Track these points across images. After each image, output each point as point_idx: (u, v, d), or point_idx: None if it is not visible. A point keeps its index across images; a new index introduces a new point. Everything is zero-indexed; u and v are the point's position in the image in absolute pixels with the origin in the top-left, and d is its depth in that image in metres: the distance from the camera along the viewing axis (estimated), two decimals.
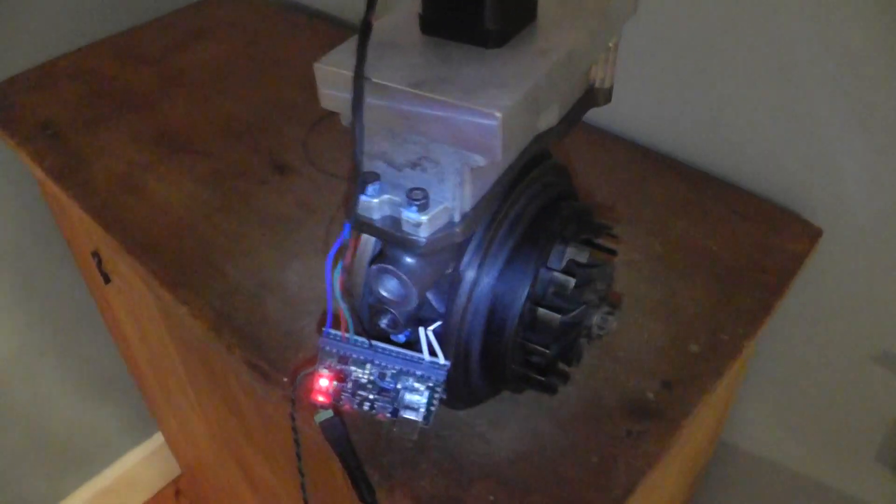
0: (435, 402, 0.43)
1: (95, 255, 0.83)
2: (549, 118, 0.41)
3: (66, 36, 0.92)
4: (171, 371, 0.87)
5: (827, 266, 0.66)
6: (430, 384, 0.42)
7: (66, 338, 1.12)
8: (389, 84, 0.33)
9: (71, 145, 0.73)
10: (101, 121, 0.76)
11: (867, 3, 0.54)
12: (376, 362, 0.42)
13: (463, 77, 0.34)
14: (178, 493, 1.38)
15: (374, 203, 0.37)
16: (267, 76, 0.84)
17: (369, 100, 0.34)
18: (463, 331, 0.41)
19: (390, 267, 0.37)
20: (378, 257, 0.39)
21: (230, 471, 0.91)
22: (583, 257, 0.41)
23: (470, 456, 0.48)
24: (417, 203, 0.35)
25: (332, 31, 0.93)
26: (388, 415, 0.43)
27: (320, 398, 0.44)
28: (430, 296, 0.43)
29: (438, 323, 0.42)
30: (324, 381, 0.43)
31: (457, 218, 0.37)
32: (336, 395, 0.44)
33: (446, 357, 0.41)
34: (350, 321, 0.40)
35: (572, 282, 0.40)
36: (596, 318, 0.44)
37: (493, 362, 0.43)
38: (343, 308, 0.40)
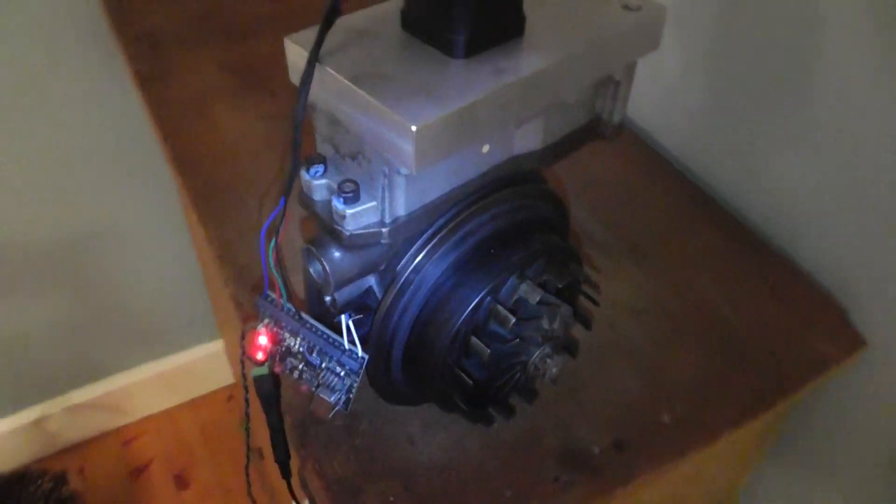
0: (354, 389, 0.43)
1: None
2: (526, 141, 0.39)
3: None
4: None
5: (864, 380, 0.58)
6: (346, 372, 0.42)
7: (158, 221, 1.19)
8: (332, 72, 0.33)
9: (163, 58, 0.78)
10: (200, 42, 0.81)
11: None
12: (302, 336, 0.43)
13: (409, 80, 0.33)
14: (230, 398, 1.47)
15: (314, 185, 0.37)
16: None
17: (315, 84, 0.34)
18: (387, 330, 0.40)
19: (314, 249, 0.38)
20: (315, 237, 0.39)
21: None
22: (533, 298, 0.39)
23: (391, 452, 0.48)
24: (345, 195, 0.35)
25: None
26: (312, 389, 0.44)
27: (259, 355, 0.45)
28: (374, 286, 0.42)
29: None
30: (262, 339, 0.45)
31: (387, 219, 0.36)
32: (273, 355, 0.45)
33: (365, 350, 0.41)
34: (283, 290, 0.41)
35: (513, 320, 0.39)
36: (535, 358, 0.42)
37: (420, 373, 0.42)
38: (276, 277, 0.40)
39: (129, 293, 1.25)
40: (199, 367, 1.41)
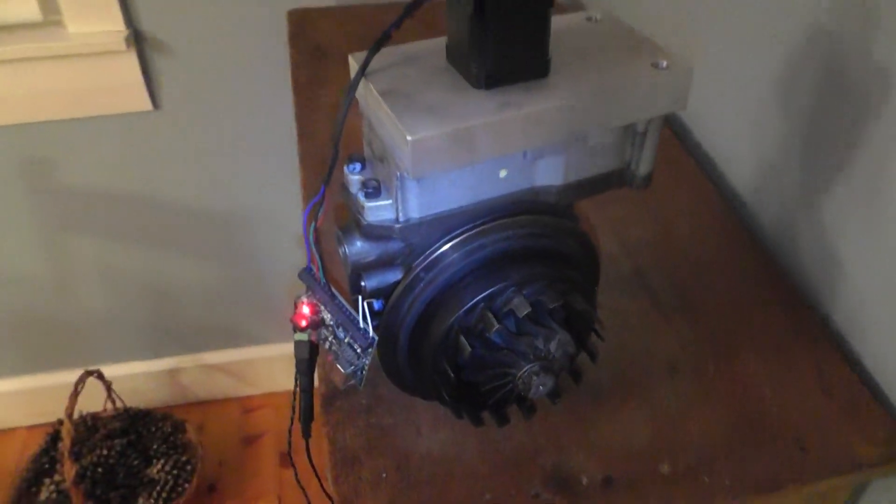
0: (366, 368, 0.49)
1: None
2: (547, 175, 0.43)
3: None
4: None
5: None
6: (362, 349, 0.48)
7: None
8: (370, 85, 0.40)
9: (323, 68, 0.89)
10: None
11: None
12: (331, 310, 0.49)
13: (425, 100, 0.38)
14: None
15: (351, 178, 0.43)
16: None
17: (360, 91, 0.40)
18: (396, 317, 0.46)
19: (340, 233, 0.44)
20: (345, 224, 0.46)
21: None
22: (521, 312, 0.43)
23: (397, 436, 0.52)
24: (367, 190, 0.41)
25: None
26: (334, 360, 0.50)
27: (303, 322, 0.52)
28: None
29: None
30: (306, 309, 0.52)
31: (400, 217, 0.42)
32: (313, 324, 0.52)
33: (375, 331, 0.46)
34: (321, 266, 0.48)
35: (496, 326, 0.43)
36: (523, 372, 0.45)
37: (419, 361, 0.47)
38: (315, 255, 0.47)
39: (271, 274, 1.39)
40: None
